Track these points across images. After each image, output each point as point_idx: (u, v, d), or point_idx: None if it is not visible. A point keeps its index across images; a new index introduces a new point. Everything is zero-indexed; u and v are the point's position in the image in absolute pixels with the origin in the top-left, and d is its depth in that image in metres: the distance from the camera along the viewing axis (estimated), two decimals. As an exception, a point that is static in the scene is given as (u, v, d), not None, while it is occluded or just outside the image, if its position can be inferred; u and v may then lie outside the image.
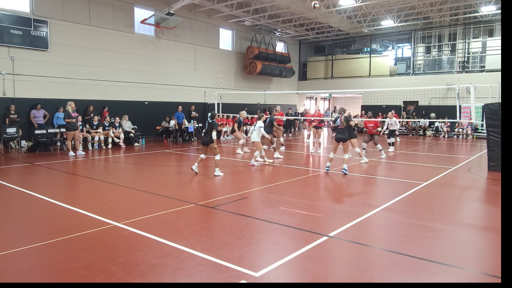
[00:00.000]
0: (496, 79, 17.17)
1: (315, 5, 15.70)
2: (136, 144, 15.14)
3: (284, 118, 16.29)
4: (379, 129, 13.11)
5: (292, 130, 20.61)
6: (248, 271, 3.70)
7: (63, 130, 13.33)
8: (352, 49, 28.79)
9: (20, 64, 13.71)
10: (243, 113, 14.99)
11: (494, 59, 21.70)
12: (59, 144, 13.57)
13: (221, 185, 8.43)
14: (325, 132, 23.37)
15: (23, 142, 13.37)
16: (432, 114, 21.95)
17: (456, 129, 20.76)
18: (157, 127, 17.00)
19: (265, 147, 10.93)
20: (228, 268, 3.77)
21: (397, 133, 16.36)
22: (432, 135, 21.20)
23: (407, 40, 27.39)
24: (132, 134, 15.24)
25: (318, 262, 4.00)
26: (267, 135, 10.57)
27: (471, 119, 16.56)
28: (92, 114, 14.63)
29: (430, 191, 7.61)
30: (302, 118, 21.35)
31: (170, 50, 18.96)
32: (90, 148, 13.54)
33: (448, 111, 20.54)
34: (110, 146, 14.02)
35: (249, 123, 19.49)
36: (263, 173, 9.70)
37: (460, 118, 16.14)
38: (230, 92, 21.31)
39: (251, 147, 11.30)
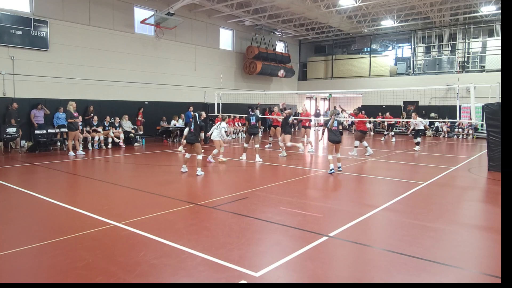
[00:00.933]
0: (496, 79, 17.17)
1: None
2: (136, 144, 15.15)
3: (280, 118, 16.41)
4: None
5: (292, 130, 20.61)
6: (248, 271, 3.70)
7: (63, 130, 13.34)
8: (352, 49, 28.79)
9: (20, 64, 13.71)
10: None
11: (494, 59, 21.71)
12: (59, 144, 13.57)
13: (221, 185, 8.44)
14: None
15: (23, 142, 13.37)
16: (433, 114, 21.95)
17: (456, 129, 20.76)
18: (157, 127, 17.01)
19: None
20: (228, 268, 3.77)
21: (424, 133, 16.22)
22: (432, 135, 21.20)
23: (407, 40, 27.40)
24: (132, 134, 15.25)
25: (318, 262, 4.00)
26: (225, 137, 10.99)
27: (471, 119, 16.57)
28: (92, 114, 14.63)
29: (430, 191, 7.61)
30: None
31: (170, 50, 18.96)
32: (90, 148, 13.54)
33: (448, 111, 20.55)
34: (110, 146, 14.02)
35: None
36: (263, 173, 9.71)
37: (460, 118, 16.14)
38: (230, 92, 21.31)
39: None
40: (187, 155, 9.37)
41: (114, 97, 16.57)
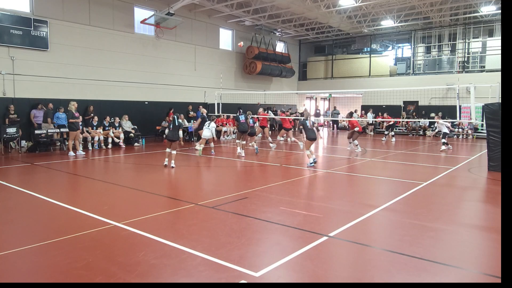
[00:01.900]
0: (496, 79, 17.14)
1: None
2: (136, 144, 15.14)
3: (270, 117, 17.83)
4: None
5: (292, 130, 20.58)
6: (248, 271, 3.70)
7: (63, 130, 13.34)
8: (352, 49, 28.77)
9: (20, 64, 13.70)
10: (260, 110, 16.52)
11: (494, 59, 21.69)
12: (59, 144, 13.56)
13: (221, 185, 8.43)
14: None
15: (23, 142, 13.37)
16: (433, 114, 21.94)
17: (456, 129, 20.76)
18: (157, 127, 17.01)
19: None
20: (228, 268, 3.77)
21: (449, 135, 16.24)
22: (432, 135, 21.19)
23: (407, 40, 27.38)
24: (132, 134, 15.24)
25: (318, 262, 4.00)
26: (215, 137, 12.63)
27: (471, 119, 16.56)
28: (92, 114, 14.63)
29: (430, 191, 7.61)
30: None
31: (170, 50, 18.96)
32: (90, 148, 13.54)
33: (448, 111, 20.54)
34: (110, 146, 14.02)
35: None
36: (263, 173, 9.71)
37: (460, 118, 16.13)
38: (230, 92, 21.31)
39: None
40: (173, 152, 10.19)
41: (114, 97, 16.56)
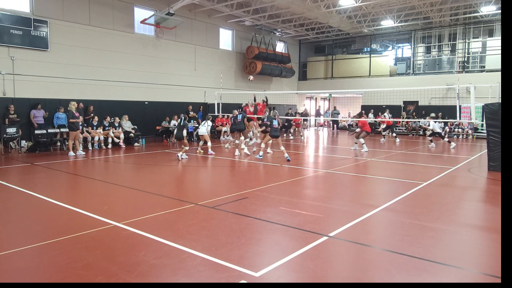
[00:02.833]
0: (496, 79, 17.16)
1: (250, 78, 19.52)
2: (136, 144, 15.15)
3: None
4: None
5: (292, 130, 20.61)
6: (248, 271, 3.70)
7: (63, 130, 13.34)
8: (352, 49, 28.76)
9: (20, 64, 13.71)
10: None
11: (494, 59, 21.69)
12: (59, 144, 13.57)
13: (221, 185, 8.44)
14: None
15: (23, 142, 13.37)
16: (433, 114, 21.93)
17: (456, 129, 20.75)
18: (157, 127, 17.01)
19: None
20: (228, 268, 3.77)
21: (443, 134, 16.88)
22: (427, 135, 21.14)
23: (407, 40, 27.38)
24: (132, 134, 15.24)
25: (318, 262, 4.00)
26: (208, 134, 12.96)
27: (471, 119, 16.56)
28: (92, 114, 14.63)
29: (430, 191, 7.61)
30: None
31: (170, 50, 18.96)
32: (90, 148, 13.54)
33: (448, 111, 20.54)
34: (110, 146, 14.02)
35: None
36: (263, 173, 9.71)
37: (460, 118, 16.13)
38: (230, 92, 21.31)
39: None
40: (186, 147, 11.30)
41: (114, 97, 16.56)
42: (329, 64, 28.22)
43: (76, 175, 9.24)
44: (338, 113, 26.96)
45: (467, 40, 23.14)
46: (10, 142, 12.72)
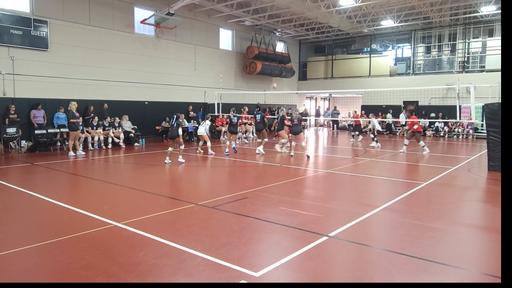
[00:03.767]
0: (496, 79, 17.17)
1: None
2: (136, 144, 15.14)
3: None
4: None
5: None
6: (248, 271, 3.70)
7: (63, 130, 13.33)
8: (352, 49, 28.77)
9: (20, 64, 13.70)
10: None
11: (494, 59, 21.69)
12: (59, 144, 13.57)
13: (221, 185, 8.44)
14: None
15: (23, 142, 13.37)
16: (433, 114, 21.95)
17: (456, 129, 20.75)
18: (157, 127, 17.01)
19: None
20: (228, 268, 3.77)
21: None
22: (432, 135, 21.19)
23: (407, 40, 27.38)
24: (132, 134, 15.24)
25: (318, 262, 4.00)
26: (207, 133, 13.04)
27: (471, 119, 16.55)
28: (92, 114, 14.63)
29: (430, 191, 7.61)
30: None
31: (170, 50, 18.96)
32: (91, 148, 13.54)
33: (448, 111, 20.54)
34: (110, 146, 14.02)
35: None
36: (263, 173, 9.71)
37: (460, 118, 16.12)
38: (230, 92, 21.31)
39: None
40: (170, 149, 10.82)
41: (114, 97, 16.56)
42: (329, 64, 28.22)
43: (76, 175, 9.24)
44: (338, 113, 26.96)
45: (467, 40, 23.14)
46: (10, 142, 12.72)
